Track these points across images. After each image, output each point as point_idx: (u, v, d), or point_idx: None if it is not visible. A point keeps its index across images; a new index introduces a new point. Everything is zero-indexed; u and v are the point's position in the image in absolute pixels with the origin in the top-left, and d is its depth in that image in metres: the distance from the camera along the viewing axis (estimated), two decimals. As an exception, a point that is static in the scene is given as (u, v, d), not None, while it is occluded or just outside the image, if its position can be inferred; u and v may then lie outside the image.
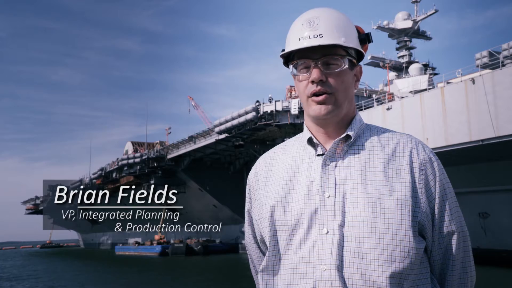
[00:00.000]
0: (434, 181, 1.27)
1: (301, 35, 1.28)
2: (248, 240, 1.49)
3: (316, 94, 1.28)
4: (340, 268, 1.19)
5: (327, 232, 1.22)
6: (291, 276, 1.26)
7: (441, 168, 1.30)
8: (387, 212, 1.21)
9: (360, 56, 1.36)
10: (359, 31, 1.35)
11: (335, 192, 1.25)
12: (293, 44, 1.30)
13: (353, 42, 1.31)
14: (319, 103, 1.28)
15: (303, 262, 1.24)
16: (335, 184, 1.26)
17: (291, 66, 1.34)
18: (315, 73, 1.27)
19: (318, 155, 1.32)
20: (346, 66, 1.29)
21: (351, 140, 1.31)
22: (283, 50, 1.34)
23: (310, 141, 1.34)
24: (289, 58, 1.34)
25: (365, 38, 1.34)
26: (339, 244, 1.21)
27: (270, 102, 29.33)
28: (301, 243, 1.25)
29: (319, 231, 1.23)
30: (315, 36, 1.26)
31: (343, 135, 1.30)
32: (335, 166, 1.28)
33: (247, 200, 1.46)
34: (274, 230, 1.30)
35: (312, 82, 1.27)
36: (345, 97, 1.30)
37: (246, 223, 1.48)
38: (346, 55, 1.30)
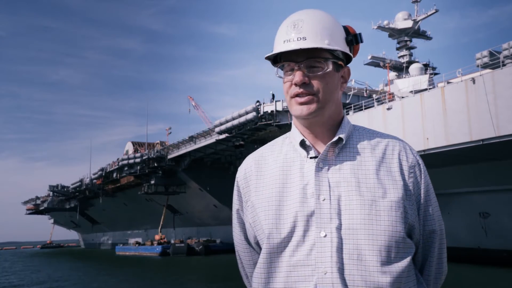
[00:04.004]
0: (421, 182, 1.33)
1: (286, 37, 1.29)
2: (238, 242, 1.47)
3: (299, 95, 1.29)
4: (341, 270, 1.20)
5: (325, 236, 1.22)
6: (289, 279, 1.24)
7: (425, 170, 1.35)
8: (383, 214, 1.23)
9: (349, 57, 1.36)
10: (349, 31, 1.35)
11: (330, 195, 1.26)
12: (277, 46, 1.31)
13: (339, 44, 1.30)
14: (301, 103, 1.29)
15: (301, 265, 1.23)
16: (329, 187, 1.26)
17: (276, 68, 1.35)
18: (297, 76, 1.28)
19: (310, 158, 1.31)
20: (330, 69, 1.29)
21: (343, 142, 1.31)
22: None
23: (302, 143, 1.34)
24: (276, 60, 1.35)
25: (352, 40, 1.34)
26: (338, 247, 1.21)
27: (273, 98, 29.24)
28: (297, 246, 1.24)
29: (317, 234, 1.23)
30: (299, 39, 1.27)
31: (335, 138, 1.30)
32: (328, 169, 1.29)
33: (235, 200, 1.44)
34: (270, 233, 1.28)
35: (295, 84, 1.29)
36: (329, 98, 1.30)
37: (235, 224, 1.45)
38: (331, 58, 1.30)
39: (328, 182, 1.27)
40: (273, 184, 1.33)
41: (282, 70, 1.34)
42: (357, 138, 1.35)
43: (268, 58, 1.35)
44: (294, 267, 1.24)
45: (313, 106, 1.28)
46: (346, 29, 1.35)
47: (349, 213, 1.23)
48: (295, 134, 1.36)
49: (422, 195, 1.31)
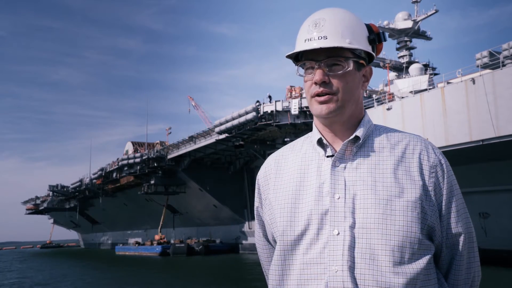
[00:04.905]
0: (443, 183, 1.29)
1: (307, 36, 1.29)
2: (257, 239, 1.51)
3: (318, 95, 1.29)
4: (351, 269, 1.19)
5: (338, 234, 1.22)
6: (301, 277, 1.25)
7: (449, 169, 1.31)
8: (398, 213, 1.22)
9: (371, 56, 1.35)
10: (372, 29, 1.34)
11: (345, 194, 1.25)
12: (298, 45, 1.31)
13: (361, 43, 1.30)
14: (321, 102, 1.29)
15: (314, 263, 1.23)
16: (345, 185, 1.26)
17: (297, 67, 1.35)
18: (317, 75, 1.28)
19: (327, 156, 1.32)
20: (350, 68, 1.29)
21: (360, 141, 1.30)
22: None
23: (319, 142, 1.34)
24: (297, 58, 1.35)
25: (374, 38, 1.33)
26: (350, 245, 1.21)
27: (270, 100, 29.25)
28: (311, 244, 1.25)
29: (330, 233, 1.23)
30: (320, 38, 1.27)
31: (352, 137, 1.30)
32: (345, 168, 1.29)
33: (256, 198, 1.46)
34: (285, 231, 1.29)
35: (315, 83, 1.29)
36: (349, 98, 1.30)
37: (255, 222, 1.48)
38: (352, 57, 1.29)
39: (344, 180, 1.27)
40: (290, 182, 1.34)
41: (303, 68, 1.34)
42: (376, 136, 1.33)
43: (289, 56, 1.35)
44: (307, 265, 1.24)
45: (332, 106, 1.28)
46: (370, 27, 1.35)
47: (363, 212, 1.22)
48: (314, 133, 1.37)
49: (444, 196, 1.28)
